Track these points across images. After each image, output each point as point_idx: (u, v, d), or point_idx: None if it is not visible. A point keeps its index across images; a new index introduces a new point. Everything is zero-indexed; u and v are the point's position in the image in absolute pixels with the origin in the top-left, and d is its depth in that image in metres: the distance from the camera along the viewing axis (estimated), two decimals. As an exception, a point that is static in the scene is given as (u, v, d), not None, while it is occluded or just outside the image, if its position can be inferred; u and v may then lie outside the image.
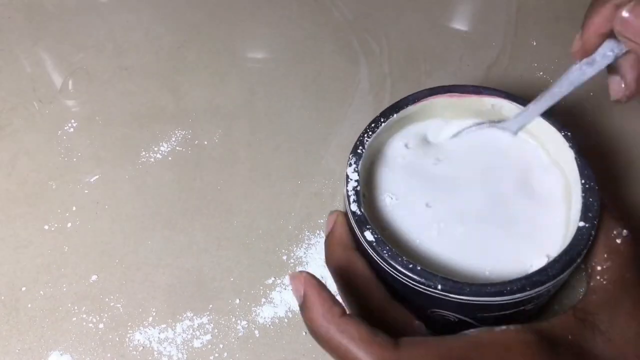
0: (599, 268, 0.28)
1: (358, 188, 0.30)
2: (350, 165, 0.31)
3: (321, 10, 0.53)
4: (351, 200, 0.29)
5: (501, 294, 0.26)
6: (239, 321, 0.36)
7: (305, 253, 0.39)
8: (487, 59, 0.49)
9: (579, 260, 0.28)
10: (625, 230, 0.29)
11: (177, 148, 0.44)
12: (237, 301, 0.37)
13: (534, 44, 0.50)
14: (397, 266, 0.27)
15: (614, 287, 0.28)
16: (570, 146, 0.31)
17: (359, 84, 0.47)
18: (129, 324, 0.36)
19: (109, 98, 0.47)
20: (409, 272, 0.27)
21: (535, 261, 0.30)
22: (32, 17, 0.53)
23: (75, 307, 0.37)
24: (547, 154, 0.33)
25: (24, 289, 0.38)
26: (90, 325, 0.36)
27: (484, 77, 0.47)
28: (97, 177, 0.43)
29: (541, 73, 0.48)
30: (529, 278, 0.27)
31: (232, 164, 0.43)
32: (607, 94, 0.30)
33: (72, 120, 0.46)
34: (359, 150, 0.31)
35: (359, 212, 0.29)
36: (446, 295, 0.27)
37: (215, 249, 0.39)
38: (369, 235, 0.28)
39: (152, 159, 0.43)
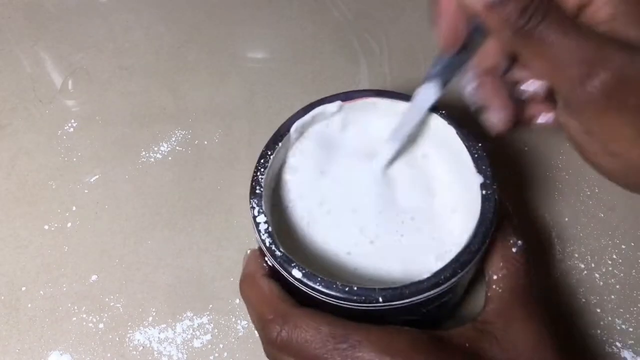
0: (494, 277, 0.29)
1: (270, 229, 0.29)
2: (254, 208, 0.30)
3: (321, 10, 0.53)
4: (267, 243, 0.29)
5: (438, 285, 0.27)
6: (239, 321, 0.36)
7: (305, 253, 0.39)
8: (487, 59, 0.49)
9: (492, 229, 0.28)
10: (520, 241, 0.30)
11: (177, 148, 0.44)
12: (237, 301, 0.37)
13: (534, 44, 0.50)
14: (333, 293, 0.27)
15: (509, 295, 0.29)
16: (449, 123, 0.32)
17: (359, 84, 0.47)
18: (129, 324, 0.36)
19: (109, 98, 0.47)
20: (346, 294, 0.26)
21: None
22: (32, 17, 0.53)
23: (75, 307, 0.37)
24: (430, 138, 0.34)
25: (24, 289, 0.38)
26: (90, 325, 0.36)
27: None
28: (97, 177, 0.43)
29: (541, 73, 0.47)
30: (457, 261, 0.27)
31: (232, 164, 0.43)
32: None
33: (72, 120, 0.46)
34: (257, 191, 0.30)
35: (278, 253, 0.28)
36: (389, 305, 0.26)
37: (215, 249, 0.39)
38: (296, 273, 0.27)
39: (152, 159, 0.43)
